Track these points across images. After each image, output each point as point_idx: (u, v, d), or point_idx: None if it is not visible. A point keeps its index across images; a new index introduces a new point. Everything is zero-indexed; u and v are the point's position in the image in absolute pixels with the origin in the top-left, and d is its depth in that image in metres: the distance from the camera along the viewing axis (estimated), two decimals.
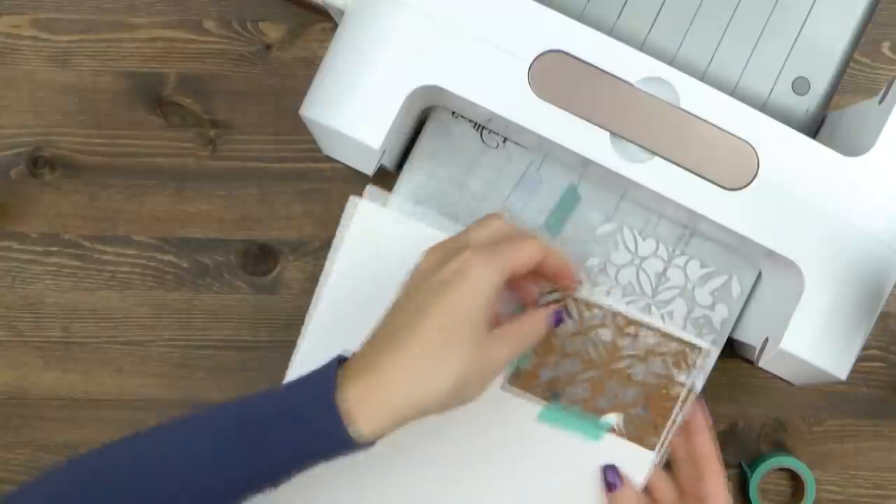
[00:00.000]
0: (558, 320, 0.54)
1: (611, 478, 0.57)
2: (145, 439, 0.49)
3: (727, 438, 0.67)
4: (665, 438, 0.57)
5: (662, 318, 0.61)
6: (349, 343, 0.50)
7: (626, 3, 0.60)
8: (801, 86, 0.60)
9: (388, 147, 0.57)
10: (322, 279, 0.56)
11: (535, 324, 0.53)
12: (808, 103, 0.60)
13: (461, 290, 0.48)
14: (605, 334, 0.56)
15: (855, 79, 0.68)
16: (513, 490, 0.57)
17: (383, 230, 0.55)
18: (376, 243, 0.54)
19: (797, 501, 0.67)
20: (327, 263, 0.56)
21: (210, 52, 0.68)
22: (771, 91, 0.60)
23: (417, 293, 0.49)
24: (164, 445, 0.48)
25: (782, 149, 0.54)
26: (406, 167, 0.62)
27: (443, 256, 0.50)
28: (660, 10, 0.60)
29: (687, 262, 0.61)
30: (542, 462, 0.57)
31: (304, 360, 0.56)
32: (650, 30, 0.60)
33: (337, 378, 0.47)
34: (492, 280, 0.49)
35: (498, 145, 0.61)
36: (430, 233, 0.56)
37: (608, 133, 0.54)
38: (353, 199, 0.56)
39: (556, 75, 0.54)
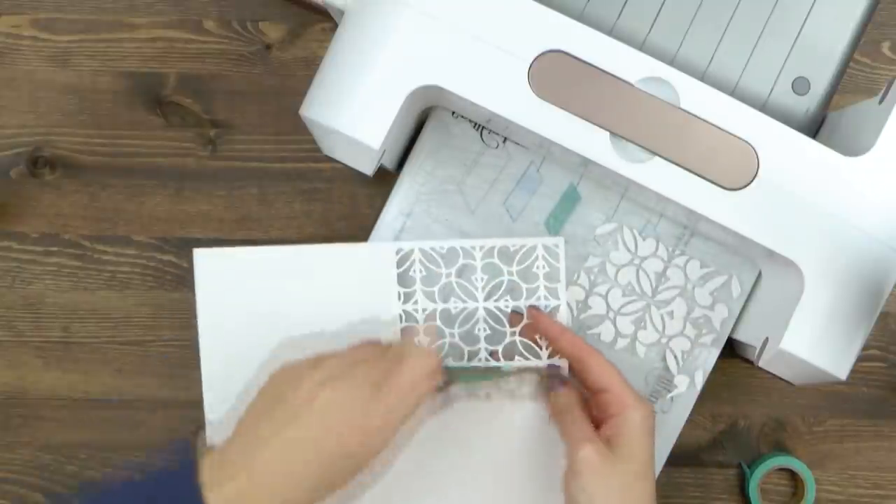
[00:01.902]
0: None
1: (556, 376, 0.56)
2: None
3: (727, 438, 0.67)
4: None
5: (662, 318, 0.61)
6: (243, 380, 0.54)
7: (626, 3, 0.60)
8: (801, 86, 0.60)
9: (388, 147, 0.57)
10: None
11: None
12: (808, 103, 0.60)
13: (388, 423, 0.48)
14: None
15: (855, 79, 0.68)
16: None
17: (228, 268, 0.56)
18: (228, 282, 0.56)
19: (797, 501, 0.67)
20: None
21: (210, 52, 0.68)
22: (771, 91, 0.60)
23: (330, 406, 0.48)
24: None
25: (782, 149, 0.54)
26: (406, 167, 0.62)
27: (372, 371, 0.50)
28: (660, 10, 0.60)
29: (687, 262, 0.61)
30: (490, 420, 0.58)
31: (210, 409, 0.57)
32: (650, 30, 0.60)
33: (204, 475, 0.46)
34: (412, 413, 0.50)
35: (498, 145, 0.61)
36: (275, 255, 0.57)
37: (608, 133, 0.54)
38: (194, 251, 0.57)
39: (556, 75, 0.54)
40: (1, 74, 0.68)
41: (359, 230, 0.67)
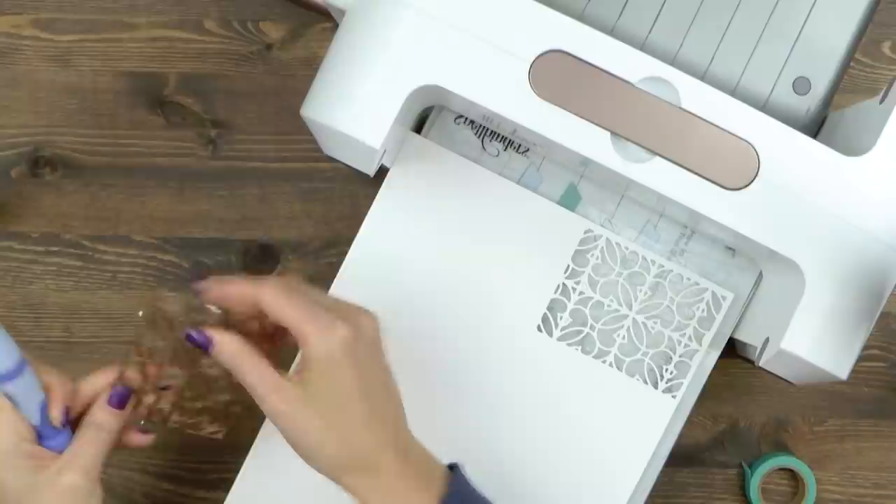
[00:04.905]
0: (120, 398, 0.53)
1: (199, 340, 0.50)
2: None
3: (728, 438, 0.67)
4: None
5: (661, 317, 0.61)
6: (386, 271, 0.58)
7: (626, 2, 0.60)
8: (801, 86, 0.60)
9: (388, 147, 0.57)
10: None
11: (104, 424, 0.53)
12: (808, 103, 0.60)
13: None
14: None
15: (856, 79, 0.68)
16: None
17: (428, 163, 0.58)
18: (420, 174, 0.58)
19: (798, 501, 0.67)
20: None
21: (210, 52, 0.68)
22: (772, 91, 0.60)
23: None
24: None
25: (783, 149, 0.54)
26: None
27: None
28: (660, 10, 0.60)
29: (686, 262, 0.61)
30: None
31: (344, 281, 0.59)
32: (651, 29, 0.60)
33: None
34: None
35: (499, 153, 0.61)
36: (478, 174, 0.59)
37: (609, 133, 0.54)
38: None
39: (556, 75, 0.54)
40: (1, 74, 0.68)
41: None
